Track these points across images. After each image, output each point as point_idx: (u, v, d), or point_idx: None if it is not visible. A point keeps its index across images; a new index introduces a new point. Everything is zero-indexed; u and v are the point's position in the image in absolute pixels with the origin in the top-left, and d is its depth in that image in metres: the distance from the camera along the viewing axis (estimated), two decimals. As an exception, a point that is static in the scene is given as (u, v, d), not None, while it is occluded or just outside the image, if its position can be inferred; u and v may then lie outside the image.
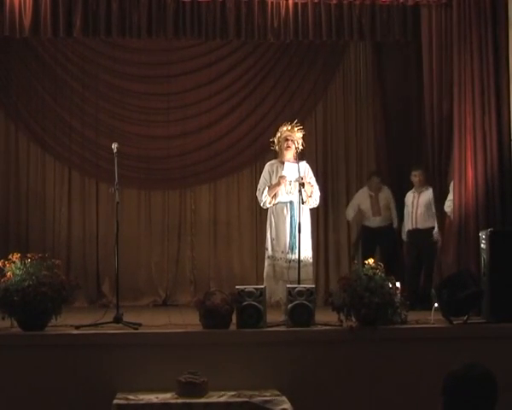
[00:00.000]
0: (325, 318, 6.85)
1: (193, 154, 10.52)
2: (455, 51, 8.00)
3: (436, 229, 8.77)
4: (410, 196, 9.38)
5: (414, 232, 9.27)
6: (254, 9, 8.10)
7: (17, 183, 10.30)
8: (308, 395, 6.24)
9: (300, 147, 7.92)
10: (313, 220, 10.14)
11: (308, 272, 7.59)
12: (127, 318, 6.85)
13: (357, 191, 10.30)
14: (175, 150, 10.52)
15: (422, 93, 8.61)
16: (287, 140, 7.86)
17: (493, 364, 3.07)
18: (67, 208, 10.32)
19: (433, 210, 8.78)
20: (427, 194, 9.06)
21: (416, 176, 9.33)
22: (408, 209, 9.35)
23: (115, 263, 7.25)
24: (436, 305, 6.99)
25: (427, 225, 9.10)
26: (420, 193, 9.26)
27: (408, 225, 9.36)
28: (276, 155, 8.08)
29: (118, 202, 7.37)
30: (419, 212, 9.22)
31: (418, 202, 9.25)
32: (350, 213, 10.18)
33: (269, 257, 7.74)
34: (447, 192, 8.26)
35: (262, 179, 7.97)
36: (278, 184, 7.74)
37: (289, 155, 7.85)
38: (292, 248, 7.55)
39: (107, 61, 10.46)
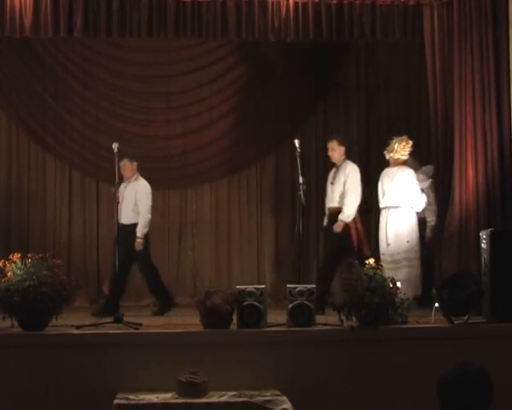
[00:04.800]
0: (326, 318, 6.85)
1: (193, 153, 10.52)
2: (455, 50, 8.00)
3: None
4: None
5: None
6: (255, 9, 8.10)
7: (18, 183, 10.30)
8: (308, 395, 6.24)
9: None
10: (313, 220, 10.22)
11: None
12: (127, 318, 6.85)
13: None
14: (175, 150, 10.52)
15: (424, 92, 8.61)
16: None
17: (493, 364, 3.08)
18: (68, 208, 10.32)
19: None
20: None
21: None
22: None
23: (116, 263, 7.26)
24: (437, 305, 6.99)
25: None
26: None
27: None
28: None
29: (118, 202, 7.39)
30: None
31: None
32: None
33: None
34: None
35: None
36: None
37: None
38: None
39: (107, 61, 10.46)
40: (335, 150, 8.69)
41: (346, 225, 8.48)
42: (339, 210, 8.56)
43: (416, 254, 8.36)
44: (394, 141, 8.50)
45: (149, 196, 8.84)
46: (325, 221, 8.95)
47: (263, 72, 10.59)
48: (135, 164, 8.85)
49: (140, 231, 8.67)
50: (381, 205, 8.58)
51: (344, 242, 8.45)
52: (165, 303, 8.75)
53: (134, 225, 8.64)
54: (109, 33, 8.16)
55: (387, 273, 7.37)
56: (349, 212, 8.56)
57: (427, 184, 8.77)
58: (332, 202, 8.70)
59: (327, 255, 9.12)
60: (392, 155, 8.48)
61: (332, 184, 8.62)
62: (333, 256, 8.66)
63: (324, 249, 9.21)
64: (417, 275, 8.29)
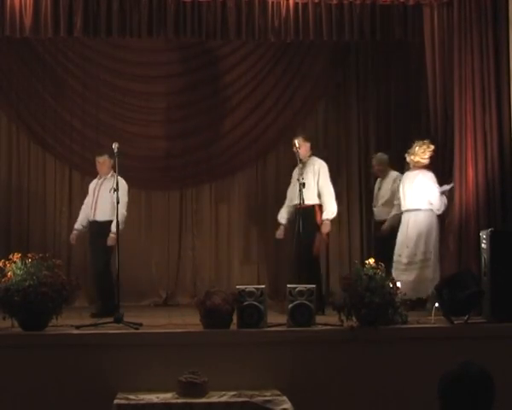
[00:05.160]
0: (326, 318, 6.85)
1: (193, 153, 10.51)
2: (455, 50, 8.00)
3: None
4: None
5: None
6: (255, 9, 8.11)
7: (18, 183, 10.30)
8: (308, 395, 6.24)
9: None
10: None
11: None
12: (128, 318, 6.85)
13: (358, 191, 10.35)
14: (175, 150, 10.51)
15: (423, 92, 8.62)
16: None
17: (493, 364, 3.07)
18: (68, 208, 10.32)
19: None
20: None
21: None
22: None
23: (116, 263, 7.26)
24: (437, 305, 7.00)
25: None
26: None
27: None
28: None
29: (118, 202, 7.39)
30: None
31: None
32: None
33: None
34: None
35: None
36: None
37: None
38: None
39: (107, 61, 10.46)
40: (301, 146, 8.67)
41: (317, 225, 8.53)
42: (310, 207, 8.54)
43: (431, 255, 8.32)
44: (415, 144, 8.47)
45: (126, 193, 8.70)
46: (284, 218, 8.93)
47: (263, 71, 10.59)
48: (112, 161, 8.76)
49: (115, 227, 8.48)
50: (403, 208, 8.57)
51: (310, 241, 8.46)
52: (105, 307, 8.23)
53: (110, 223, 8.47)
54: (109, 33, 8.17)
55: (399, 276, 7.44)
56: (332, 208, 8.61)
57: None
58: (297, 199, 8.67)
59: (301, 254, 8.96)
60: (412, 157, 8.46)
61: (298, 180, 8.51)
62: (307, 253, 8.62)
63: (295, 245, 8.97)
64: (429, 277, 8.18)
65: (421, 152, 8.42)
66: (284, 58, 10.52)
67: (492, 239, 7.03)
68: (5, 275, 6.41)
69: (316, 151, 10.53)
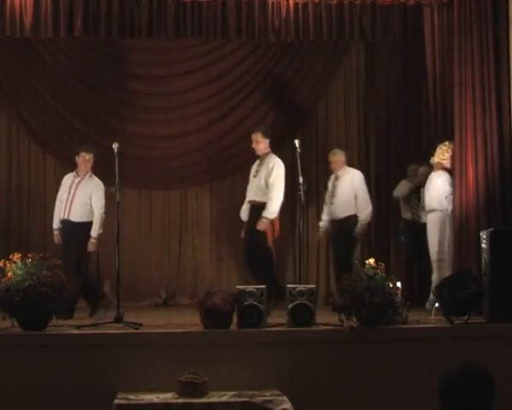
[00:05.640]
0: (326, 318, 6.85)
1: (193, 153, 10.51)
2: (455, 51, 8.00)
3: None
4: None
5: None
6: (255, 9, 8.11)
7: (18, 183, 10.29)
8: (308, 394, 6.24)
9: None
10: (313, 220, 10.22)
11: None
12: (128, 318, 6.86)
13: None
14: (175, 150, 10.51)
15: (423, 92, 8.62)
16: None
17: (493, 364, 3.08)
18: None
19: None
20: None
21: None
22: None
23: (116, 263, 7.26)
24: (437, 305, 7.00)
25: None
26: None
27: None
28: None
29: (118, 202, 7.39)
30: None
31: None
32: None
33: None
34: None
35: None
36: None
37: None
38: None
39: (107, 61, 10.45)
40: (260, 143, 8.65)
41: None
42: (262, 205, 8.52)
43: (444, 255, 8.31)
44: (437, 146, 8.46)
45: (104, 196, 8.62)
46: (244, 214, 8.94)
47: (263, 72, 10.59)
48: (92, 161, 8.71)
49: (96, 232, 8.49)
50: (426, 209, 8.59)
51: (261, 239, 8.45)
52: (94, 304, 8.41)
53: (87, 224, 8.48)
54: (109, 33, 8.17)
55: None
56: (273, 209, 8.54)
57: None
58: (254, 195, 8.64)
59: (248, 250, 8.91)
60: (433, 159, 8.46)
61: (254, 177, 8.50)
62: (254, 251, 8.62)
63: (245, 242, 8.99)
64: (439, 277, 8.20)
65: (441, 153, 8.42)
66: (284, 58, 10.52)
67: (492, 239, 7.03)
68: (5, 275, 6.42)
69: (316, 151, 10.58)
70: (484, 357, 3.27)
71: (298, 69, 10.56)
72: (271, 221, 8.54)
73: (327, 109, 10.70)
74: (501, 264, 6.97)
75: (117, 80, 10.48)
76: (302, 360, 6.37)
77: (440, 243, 8.28)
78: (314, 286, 6.89)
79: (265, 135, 8.73)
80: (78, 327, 6.56)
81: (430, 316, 6.93)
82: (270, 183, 8.56)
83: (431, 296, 7.80)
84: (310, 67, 10.55)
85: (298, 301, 6.63)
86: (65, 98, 10.36)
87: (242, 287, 6.72)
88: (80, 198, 8.56)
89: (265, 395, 5.93)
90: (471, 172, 7.82)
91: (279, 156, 10.59)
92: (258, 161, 8.52)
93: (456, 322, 6.82)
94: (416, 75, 9.62)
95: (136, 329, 6.57)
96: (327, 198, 9.35)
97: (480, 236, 7.36)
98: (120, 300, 7.12)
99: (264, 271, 8.38)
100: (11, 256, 6.51)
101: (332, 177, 9.36)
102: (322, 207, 9.68)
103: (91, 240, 8.45)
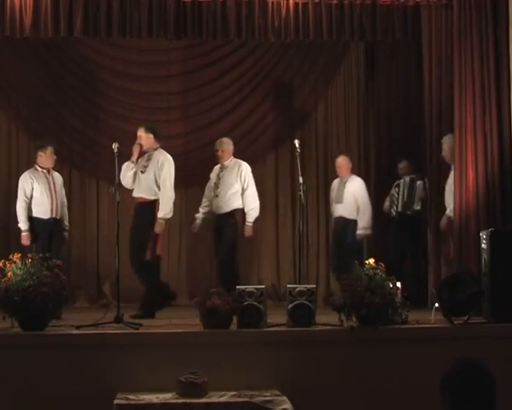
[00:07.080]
0: (326, 318, 6.84)
1: (194, 153, 10.51)
2: (455, 51, 8.01)
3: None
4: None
5: None
6: (255, 9, 8.12)
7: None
8: (308, 395, 6.24)
9: None
10: (313, 220, 10.23)
11: None
12: (128, 318, 6.85)
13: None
14: (175, 150, 10.46)
15: (422, 93, 8.62)
16: None
17: (493, 364, 3.07)
18: (68, 208, 10.30)
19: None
20: None
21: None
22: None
23: (116, 263, 7.26)
24: (437, 305, 7.00)
25: None
26: None
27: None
28: None
29: (118, 202, 7.39)
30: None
31: None
32: None
33: None
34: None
35: None
36: None
37: None
38: None
39: (107, 61, 10.47)
40: (143, 139, 8.49)
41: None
42: (150, 203, 8.38)
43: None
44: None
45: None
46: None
47: (263, 71, 10.59)
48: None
49: (67, 226, 8.88)
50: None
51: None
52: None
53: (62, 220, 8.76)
54: (109, 33, 8.18)
55: None
56: (164, 209, 8.32)
57: None
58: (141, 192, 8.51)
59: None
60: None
61: (142, 173, 8.42)
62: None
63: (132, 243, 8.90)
64: None
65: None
66: (284, 58, 10.53)
67: (492, 239, 7.03)
68: (5, 275, 6.41)
69: (316, 151, 10.59)
70: (484, 357, 3.26)
71: (298, 69, 10.57)
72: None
73: (327, 109, 10.71)
74: (501, 264, 6.97)
75: (117, 80, 10.48)
76: (302, 360, 6.37)
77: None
78: (314, 286, 6.89)
79: (149, 130, 8.54)
80: (78, 327, 6.55)
81: (430, 316, 6.93)
82: (161, 179, 8.36)
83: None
84: (310, 67, 10.57)
85: (298, 301, 6.62)
86: (65, 98, 10.37)
87: (242, 287, 6.72)
88: (59, 194, 8.80)
89: (265, 395, 5.92)
90: (471, 173, 7.83)
91: (279, 156, 10.62)
92: (145, 156, 8.49)
93: (456, 322, 6.81)
94: (416, 75, 9.62)
95: (136, 329, 6.57)
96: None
97: (480, 236, 7.36)
98: (120, 300, 7.12)
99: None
100: (11, 256, 6.51)
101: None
102: (322, 206, 9.70)
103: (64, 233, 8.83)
